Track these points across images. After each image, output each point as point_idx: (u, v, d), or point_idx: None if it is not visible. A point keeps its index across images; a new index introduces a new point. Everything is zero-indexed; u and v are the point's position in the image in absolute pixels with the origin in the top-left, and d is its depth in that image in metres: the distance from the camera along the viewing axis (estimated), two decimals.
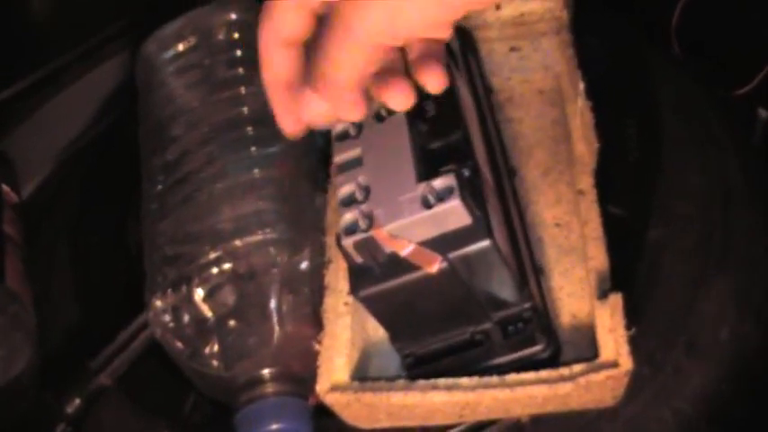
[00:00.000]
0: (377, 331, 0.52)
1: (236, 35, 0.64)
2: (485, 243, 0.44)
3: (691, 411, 0.51)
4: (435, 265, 0.44)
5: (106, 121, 0.78)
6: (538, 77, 0.62)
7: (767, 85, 0.69)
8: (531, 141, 0.60)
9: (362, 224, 0.44)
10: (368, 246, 0.44)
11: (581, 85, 0.56)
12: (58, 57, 0.80)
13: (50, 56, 0.80)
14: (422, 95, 0.45)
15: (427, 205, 0.43)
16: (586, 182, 0.53)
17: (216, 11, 0.66)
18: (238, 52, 0.64)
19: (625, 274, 0.51)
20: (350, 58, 0.42)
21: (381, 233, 0.44)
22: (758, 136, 0.71)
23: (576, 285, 0.53)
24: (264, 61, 0.46)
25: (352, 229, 0.45)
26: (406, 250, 0.44)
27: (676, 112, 0.62)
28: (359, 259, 0.45)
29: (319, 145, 0.63)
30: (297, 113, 0.46)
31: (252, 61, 0.62)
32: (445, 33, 0.43)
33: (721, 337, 0.52)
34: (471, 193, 0.44)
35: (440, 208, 0.43)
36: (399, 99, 0.44)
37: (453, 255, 0.44)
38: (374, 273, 0.45)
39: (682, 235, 0.56)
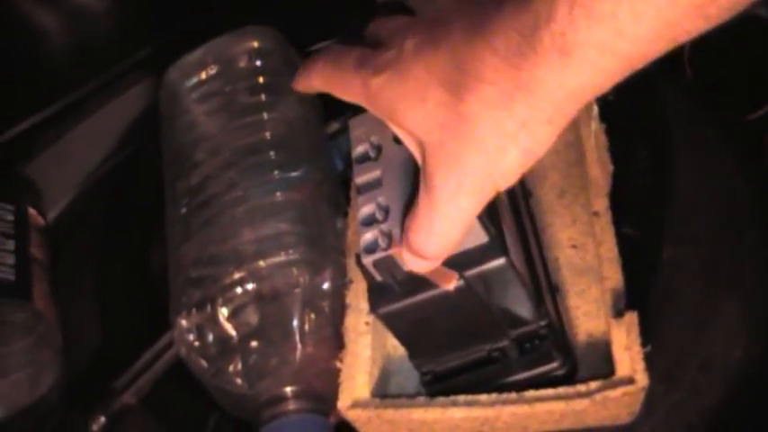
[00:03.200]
0: (397, 350, 0.53)
1: (258, 62, 0.66)
2: (501, 261, 0.45)
3: (705, 428, 0.51)
4: (452, 283, 0.45)
5: (130, 147, 0.79)
6: None
7: None
8: (546, 164, 0.61)
9: (382, 243, 0.46)
10: (387, 264, 0.45)
11: (594, 109, 0.57)
12: (82, 85, 0.81)
13: (75, 84, 0.81)
14: None
15: None
16: (601, 204, 0.54)
17: (237, 39, 0.67)
18: (260, 79, 0.65)
19: (640, 294, 0.52)
20: (444, 235, 0.43)
21: (400, 252, 0.45)
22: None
23: (591, 305, 0.54)
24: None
25: (372, 248, 0.46)
26: None
27: (688, 137, 0.63)
28: (378, 277, 0.46)
29: (339, 170, 0.64)
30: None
31: (273, 88, 0.65)
32: None
33: (735, 355, 0.53)
34: (487, 212, 0.45)
35: None
36: None
37: (470, 273, 0.45)
38: (393, 290, 0.46)
39: (695, 255, 0.56)
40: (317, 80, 0.48)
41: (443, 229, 0.42)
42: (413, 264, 0.45)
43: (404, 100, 0.42)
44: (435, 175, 0.41)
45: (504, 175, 0.41)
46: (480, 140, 0.40)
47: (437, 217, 0.42)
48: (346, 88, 0.45)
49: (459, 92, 0.39)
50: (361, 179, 0.49)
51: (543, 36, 0.36)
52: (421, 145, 0.42)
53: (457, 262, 0.45)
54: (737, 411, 0.52)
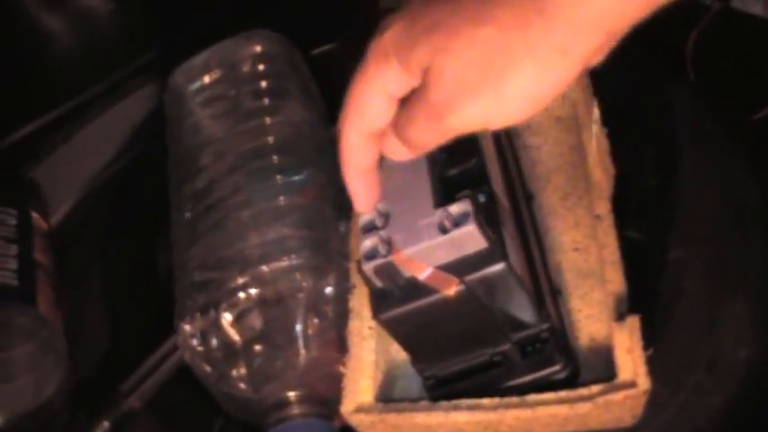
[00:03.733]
0: (400, 354, 0.53)
1: (261, 67, 0.66)
2: (500, 266, 0.45)
3: (711, 430, 0.51)
4: (453, 288, 0.45)
5: (134, 151, 0.80)
6: (555, 105, 0.63)
7: None
8: (550, 167, 0.61)
9: (382, 249, 0.46)
10: (388, 270, 0.46)
11: (596, 113, 0.57)
12: (87, 88, 0.81)
13: (80, 87, 0.82)
14: None
15: (444, 230, 0.45)
16: (603, 207, 0.54)
17: (241, 43, 0.67)
18: (263, 83, 0.65)
19: (645, 296, 0.52)
20: (437, 137, 0.44)
21: (400, 258, 0.45)
22: None
23: (594, 308, 0.54)
24: (346, 150, 0.47)
25: (372, 255, 0.46)
26: (424, 274, 0.45)
27: (692, 137, 0.63)
28: (379, 283, 0.46)
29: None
30: (372, 194, 0.48)
31: (277, 92, 0.65)
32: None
33: (740, 357, 0.53)
34: (487, 217, 0.45)
35: (456, 233, 0.44)
36: None
37: (470, 278, 0.45)
38: (394, 296, 0.46)
39: (699, 257, 0.56)
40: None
41: (427, 131, 0.43)
42: (396, 149, 0.45)
43: (411, 39, 0.42)
44: (432, 92, 0.41)
45: (503, 108, 0.41)
46: (486, 63, 0.40)
47: (427, 124, 0.43)
48: (374, 83, 0.44)
49: (474, 17, 0.40)
50: None
51: None
52: (424, 72, 0.42)
53: (457, 267, 0.45)
54: (744, 413, 0.52)
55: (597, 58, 0.40)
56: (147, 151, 0.78)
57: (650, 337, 0.48)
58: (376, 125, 0.45)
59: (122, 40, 0.87)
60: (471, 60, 0.40)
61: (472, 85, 0.40)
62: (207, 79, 0.67)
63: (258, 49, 0.67)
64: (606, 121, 0.57)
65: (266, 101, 0.64)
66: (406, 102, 0.44)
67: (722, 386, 0.52)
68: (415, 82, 0.43)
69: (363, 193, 0.47)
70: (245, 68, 0.67)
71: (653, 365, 0.47)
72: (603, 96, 0.59)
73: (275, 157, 0.61)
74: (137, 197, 0.75)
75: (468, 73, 0.40)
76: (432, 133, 0.43)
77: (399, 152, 0.46)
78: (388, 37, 0.43)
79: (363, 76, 0.44)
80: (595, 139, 0.57)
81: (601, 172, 0.56)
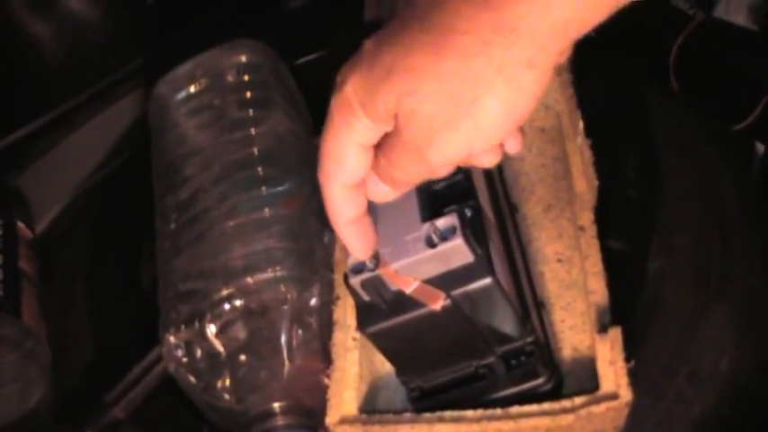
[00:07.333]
0: (385, 365, 0.54)
1: (246, 77, 0.66)
2: (487, 280, 0.45)
3: None
4: (439, 302, 0.45)
5: (119, 160, 0.80)
6: (539, 116, 0.63)
7: (764, 121, 0.70)
8: (533, 178, 0.61)
9: (369, 263, 0.46)
10: (374, 284, 0.46)
11: (580, 124, 0.58)
12: (72, 97, 0.81)
13: (65, 96, 0.81)
14: None
15: (431, 244, 0.45)
16: (586, 218, 0.54)
17: (226, 53, 0.68)
18: (248, 94, 0.65)
19: (627, 306, 0.52)
20: (423, 174, 0.43)
21: (387, 271, 0.45)
22: (756, 170, 0.72)
23: (577, 319, 0.54)
24: (331, 205, 0.45)
25: (359, 269, 0.46)
26: (411, 288, 0.46)
27: (675, 148, 0.63)
28: (366, 297, 0.47)
29: None
30: (368, 240, 0.46)
31: (261, 103, 0.65)
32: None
33: (722, 366, 0.53)
34: (473, 231, 0.46)
35: (443, 247, 0.45)
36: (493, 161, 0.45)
37: (456, 292, 0.45)
38: (381, 310, 0.46)
39: (681, 266, 0.57)
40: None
41: (413, 170, 0.42)
42: (381, 193, 0.45)
43: (372, 88, 0.40)
44: (407, 137, 0.41)
45: (482, 131, 0.40)
46: (457, 96, 0.39)
47: (410, 164, 0.42)
48: (340, 136, 0.43)
49: (435, 51, 0.39)
50: None
51: None
52: (393, 117, 0.41)
53: (443, 281, 0.45)
54: (725, 421, 0.52)
55: (563, 59, 0.40)
56: (132, 160, 0.78)
57: (632, 348, 0.48)
58: (356, 176, 0.44)
59: (108, 48, 0.87)
60: (440, 96, 0.39)
61: (447, 120, 0.40)
62: (192, 89, 0.67)
63: (243, 59, 0.67)
64: (589, 131, 0.58)
65: (251, 111, 0.64)
66: (382, 146, 0.43)
67: (703, 395, 0.52)
68: (386, 128, 0.42)
69: (358, 241, 0.46)
70: (230, 78, 0.67)
71: (635, 375, 0.47)
72: (587, 107, 0.59)
73: (260, 168, 0.61)
74: (121, 206, 0.75)
75: (440, 109, 0.40)
76: (417, 172, 0.43)
77: (385, 194, 0.45)
78: (349, 90, 0.41)
79: (332, 132, 0.43)
80: (579, 149, 0.57)
81: (584, 183, 0.56)
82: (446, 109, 0.39)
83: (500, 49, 0.38)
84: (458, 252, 0.45)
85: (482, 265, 0.45)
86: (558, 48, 0.38)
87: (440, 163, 0.42)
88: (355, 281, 0.46)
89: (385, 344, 0.48)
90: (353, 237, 0.46)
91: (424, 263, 0.45)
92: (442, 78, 0.39)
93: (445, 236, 0.45)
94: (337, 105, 0.42)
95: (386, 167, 0.43)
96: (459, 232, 0.44)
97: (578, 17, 0.37)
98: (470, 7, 0.38)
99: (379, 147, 0.43)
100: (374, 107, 0.41)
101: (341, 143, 0.43)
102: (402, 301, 0.46)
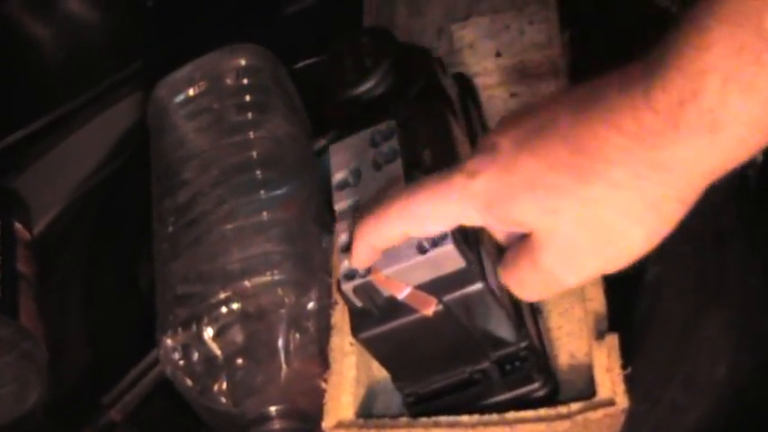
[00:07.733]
0: (381, 370, 0.53)
1: (245, 80, 0.66)
2: (478, 286, 0.45)
3: None
4: (431, 308, 0.45)
5: (117, 162, 0.80)
6: None
7: None
8: None
9: (361, 269, 0.46)
10: (367, 290, 0.46)
11: None
12: (71, 98, 0.81)
13: (64, 98, 0.82)
14: (418, 145, 0.47)
15: (422, 250, 0.45)
16: None
17: (225, 56, 0.68)
18: (247, 97, 0.65)
19: (623, 312, 0.52)
20: (551, 293, 0.43)
21: (379, 277, 0.45)
22: (753, 176, 0.72)
23: (574, 325, 0.54)
24: (378, 238, 0.44)
25: (351, 275, 0.46)
26: (402, 294, 0.46)
27: None
28: (358, 303, 0.46)
29: (326, 188, 0.64)
30: (375, 258, 0.46)
31: (260, 106, 0.65)
32: None
33: (717, 373, 0.53)
34: (465, 237, 0.45)
35: (434, 252, 0.44)
36: None
37: (448, 297, 0.45)
38: (373, 315, 0.46)
39: (678, 274, 0.57)
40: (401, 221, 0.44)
41: (544, 291, 0.43)
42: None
43: (509, 193, 0.40)
44: (544, 256, 0.41)
45: (622, 257, 0.40)
46: (604, 225, 0.39)
47: (543, 287, 0.43)
48: (441, 204, 0.42)
49: (581, 175, 0.38)
50: (339, 206, 0.49)
51: (689, 113, 0.34)
52: (530, 231, 0.41)
53: (435, 287, 0.45)
54: (721, 428, 0.52)
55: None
56: (131, 162, 0.78)
57: (628, 354, 0.48)
58: (420, 233, 0.44)
59: (107, 50, 0.87)
60: (585, 221, 0.39)
61: (589, 247, 0.39)
62: (191, 92, 0.67)
63: (242, 62, 0.67)
64: None
65: (250, 115, 0.64)
66: (508, 263, 0.43)
67: (699, 402, 0.52)
68: (504, 228, 0.42)
69: (368, 260, 0.46)
70: (230, 82, 0.67)
71: (631, 382, 0.47)
72: None
73: (258, 172, 0.61)
74: (119, 208, 0.75)
75: (583, 235, 0.39)
76: (548, 293, 0.43)
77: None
78: (480, 185, 0.40)
79: (437, 198, 0.42)
80: None
81: None
82: (590, 236, 0.39)
83: (653, 185, 0.37)
84: (449, 258, 0.45)
85: (473, 271, 0.45)
86: (705, 184, 0.37)
87: (573, 285, 0.42)
88: (347, 287, 0.46)
89: (378, 350, 0.48)
90: (367, 256, 0.45)
91: (415, 269, 0.45)
92: (587, 204, 0.38)
93: (437, 242, 0.44)
94: (460, 188, 0.41)
95: (516, 289, 0.44)
96: (450, 238, 0.44)
97: (735, 159, 0.36)
98: (626, 140, 0.36)
99: (505, 263, 0.44)
100: (507, 212, 0.40)
101: (434, 213, 0.42)
102: (394, 307, 0.46)
